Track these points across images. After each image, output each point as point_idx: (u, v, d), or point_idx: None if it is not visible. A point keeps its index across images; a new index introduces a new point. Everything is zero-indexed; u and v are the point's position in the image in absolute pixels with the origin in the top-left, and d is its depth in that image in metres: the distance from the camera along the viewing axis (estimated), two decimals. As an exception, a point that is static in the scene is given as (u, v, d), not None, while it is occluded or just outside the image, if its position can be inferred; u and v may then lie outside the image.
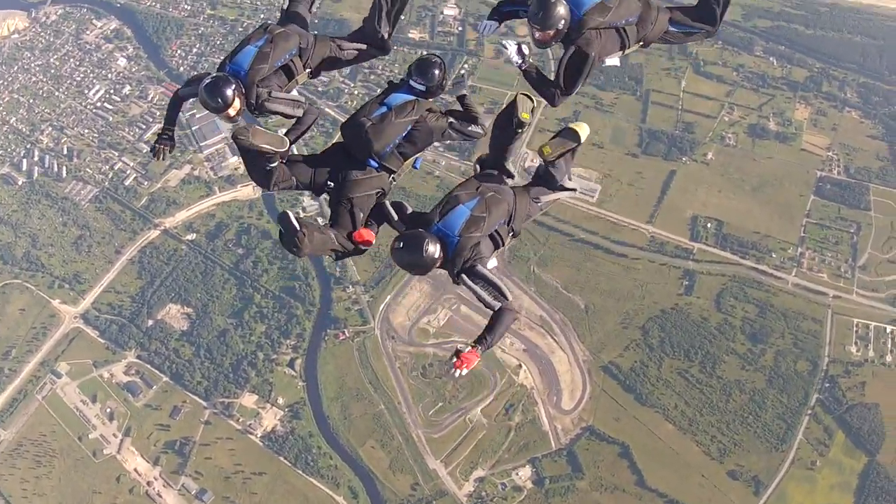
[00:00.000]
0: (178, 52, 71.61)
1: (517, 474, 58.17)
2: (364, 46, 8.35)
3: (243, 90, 7.38)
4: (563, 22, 7.34)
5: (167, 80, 70.31)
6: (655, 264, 64.42)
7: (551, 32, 7.43)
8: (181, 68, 71.15)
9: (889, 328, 62.38)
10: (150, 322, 61.94)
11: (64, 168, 67.06)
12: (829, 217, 66.41)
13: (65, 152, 67.92)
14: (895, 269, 64.30)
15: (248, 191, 65.90)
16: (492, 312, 7.02)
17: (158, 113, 68.61)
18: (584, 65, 7.58)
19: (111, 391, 59.98)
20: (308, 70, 8.06)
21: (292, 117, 7.71)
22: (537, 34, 7.52)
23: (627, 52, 8.12)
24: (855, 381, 60.53)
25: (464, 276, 7.03)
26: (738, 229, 65.74)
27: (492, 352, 60.78)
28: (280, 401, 59.78)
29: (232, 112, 7.30)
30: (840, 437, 59.08)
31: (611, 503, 57.30)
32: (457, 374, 7.03)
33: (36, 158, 67.79)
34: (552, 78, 7.79)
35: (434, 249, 6.72)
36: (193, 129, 67.20)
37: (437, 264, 6.91)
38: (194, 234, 64.65)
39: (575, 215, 65.45)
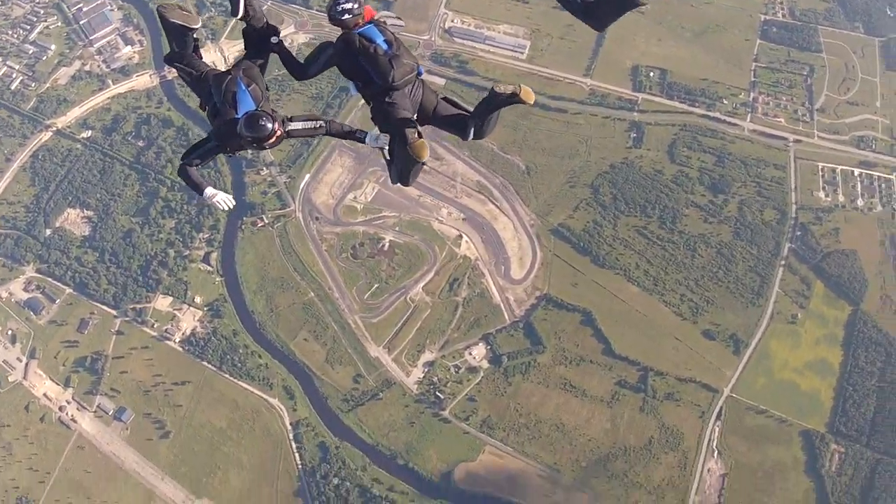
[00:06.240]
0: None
1: (470, 354, 52.93)
2: None
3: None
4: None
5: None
6: (598, 118, 60.44)
7: None
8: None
9: (857, 171, 59.10)
10: (49, 231, 56.43)
11: (-58, 78, 61.53)
12: (779, 60, 63.17)
13: (-57, 62, 62.47)
14: (855, 111, 60.97)
15: (146, 80, 61.00)
16: None
17: (42, 12, 63.72)
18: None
19: (11, 311, 54.54)
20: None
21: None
22: None
23: None
24: (828, 228, 56.79)
25: None
26: (684, 77, 61.97)
27: (428, 224, 56.13)
28: (197, 300, 54.39)
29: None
30: (819, 288, 55.02)
31: (578, 376, 52.24)
32: None
33: None
34: None
35: None
36: (81, 22, 62.41)
37: None
38: (90, 131, 59.45)
39: (505, 73, 60.45)
